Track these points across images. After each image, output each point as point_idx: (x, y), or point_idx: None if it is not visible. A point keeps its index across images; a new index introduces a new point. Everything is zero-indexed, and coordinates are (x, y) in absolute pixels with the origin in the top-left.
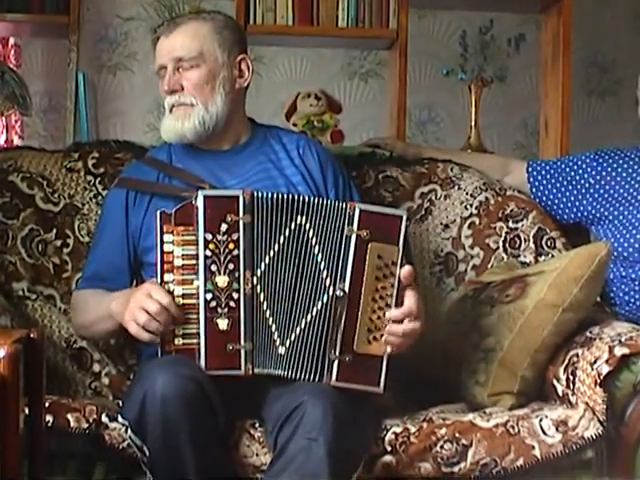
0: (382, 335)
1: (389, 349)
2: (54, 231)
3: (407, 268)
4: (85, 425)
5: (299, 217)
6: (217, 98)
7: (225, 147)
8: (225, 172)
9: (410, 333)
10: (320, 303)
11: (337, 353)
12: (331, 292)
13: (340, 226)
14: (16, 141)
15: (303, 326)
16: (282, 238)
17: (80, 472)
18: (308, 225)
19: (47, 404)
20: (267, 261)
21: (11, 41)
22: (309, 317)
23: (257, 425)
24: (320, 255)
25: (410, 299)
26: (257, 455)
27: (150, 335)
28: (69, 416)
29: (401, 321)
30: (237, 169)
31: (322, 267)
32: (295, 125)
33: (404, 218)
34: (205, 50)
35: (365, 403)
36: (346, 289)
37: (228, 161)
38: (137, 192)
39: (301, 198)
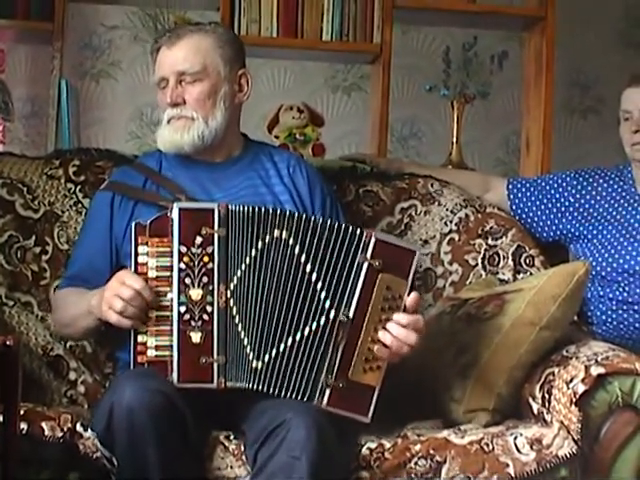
0: (378, 366)
1: (376, 348)
2: (33, 238)
3: (413, 296)
4: (59, 434)
5: (276, 230)
6: (217, 113)
7: (217, 160)
8: (213, 185)
9: (402, 339)
10: (315, 324)
11: (332, 378)
12: (332, 316)
13: (352, 251)
14: None
15: (290, 344)
16: (254, 251)
17: None
18: (292, 241)
19: (22, 412)
20: (239, 275)
21: None
22: (299, 336)
23: (232, 437)
24: (315, 275)
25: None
26: (231, 467)
27: (130, 321)
28: (44, 424)
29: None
30: (226, 183)
31: (319, 288)
32: (277, 137)
33: (417, 254)
34: (208, 64)
35: (347, 422)
36: (350, 315)
37: (218, 174)
38: (123, 197)
39: (277, 212)
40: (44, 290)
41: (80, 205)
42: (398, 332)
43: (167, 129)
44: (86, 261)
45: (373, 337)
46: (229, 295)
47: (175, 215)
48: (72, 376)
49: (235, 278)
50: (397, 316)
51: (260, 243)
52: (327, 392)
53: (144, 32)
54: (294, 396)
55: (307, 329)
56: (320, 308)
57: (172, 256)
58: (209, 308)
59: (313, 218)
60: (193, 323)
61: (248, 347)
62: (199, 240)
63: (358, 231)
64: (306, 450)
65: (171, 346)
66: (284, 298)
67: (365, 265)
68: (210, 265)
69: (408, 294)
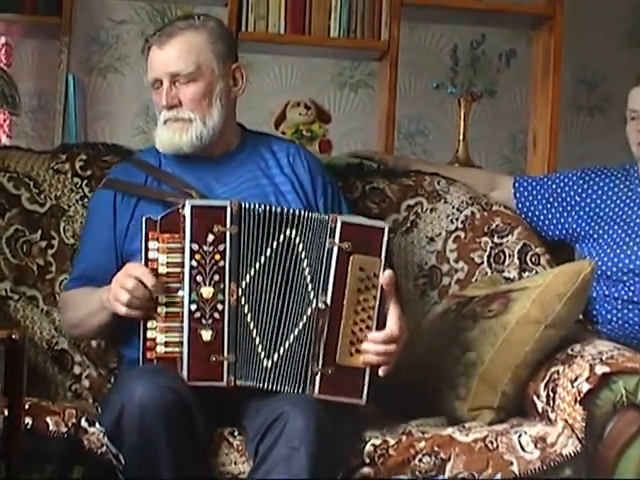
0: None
1: (368, 369)
2: (39, 232)
3: (388, 273)
4: (64, 429)
5: (288, 230)
6: (214, 112)
7: (215, 154)
8: (214, 180)
9: (385, 354)
10: (305, 317)
11: (319, 366)
12: (314, 305)
13: (323, 239)
14: (4, 140)
15: (291, 340)
16: (269, 250)
17: (57, 475)
18: (298, 239)
19: (27, 406)
20: (252, 273)
21: (2, 40)
22: (296, 331)
23: (236, 433)
24: (307, 269)
25: (392, 318)
26: (235, 463)
27: (138, 311)
28: (48, 419)
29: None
30: (226, 177)
31: (308, 280)
32: (284, 133)
33: (386, 230)
34: (202, 63)
35: (346, 413)
36: (328, 301)
37: (217, 169)
38: (124, 194)
39: (289, 210)
40: (49, 284)
41: (86, 200)
42: (375, 349)
43: (165, 130)
44: (91, 260)
45: (355, 319)
46: (240, 293)
47: (187, 212)
48: (77, 370)
49: (247, 276)
50: (371, 335)
51: (275, 243)
52: (317, 380)
53: (151, 27)
54: (288, 389)
55: (301, 323)
56: (308, 300)
57: (183, 253)
58: (220, 306)
59: (305, 212)
60: (204, 321)
61: (260, 346)
62: (211, 238)
63: (324, 217)
64: (305, 441)
65: (181, 342)
66: (287, 295)
67: (335, 249)
68: (221, 263)
69: (383, 271)
